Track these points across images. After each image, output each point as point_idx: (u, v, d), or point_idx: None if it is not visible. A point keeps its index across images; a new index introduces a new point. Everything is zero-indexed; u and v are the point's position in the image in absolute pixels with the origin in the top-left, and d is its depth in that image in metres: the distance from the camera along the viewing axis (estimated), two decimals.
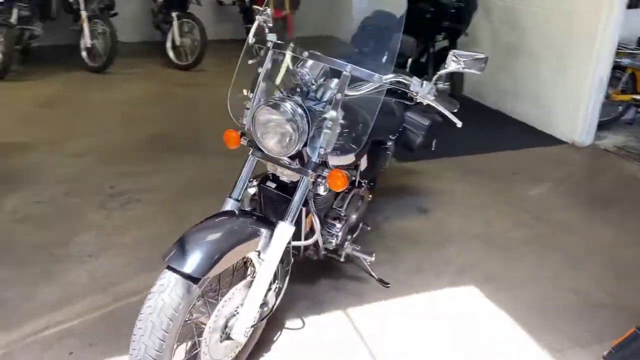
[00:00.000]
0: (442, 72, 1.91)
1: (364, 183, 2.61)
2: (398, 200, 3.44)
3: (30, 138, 4.18)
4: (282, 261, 1.97)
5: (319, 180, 1.91)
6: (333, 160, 2.00)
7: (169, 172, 3.71)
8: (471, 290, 2.61)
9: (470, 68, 1.84)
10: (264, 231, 1.80)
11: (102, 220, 3.07)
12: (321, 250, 2.33)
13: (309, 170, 1.84)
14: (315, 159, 1.82)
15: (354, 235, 2.59)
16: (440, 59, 4.75)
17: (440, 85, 2.10)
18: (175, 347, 1.70)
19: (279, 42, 1.90)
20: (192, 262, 1.56)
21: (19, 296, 2.40)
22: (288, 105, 1.74)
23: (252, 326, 1.82)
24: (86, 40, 5.94)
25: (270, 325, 2.23)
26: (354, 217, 2.53)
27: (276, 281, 1.91)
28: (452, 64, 1.85)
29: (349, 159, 2.10)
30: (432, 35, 4.83)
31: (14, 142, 4.11)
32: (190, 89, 5.69)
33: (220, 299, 1.72)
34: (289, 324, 2.30)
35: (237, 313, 1.79)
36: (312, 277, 2.59)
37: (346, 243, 2.45)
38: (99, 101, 5.20)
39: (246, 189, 1.97)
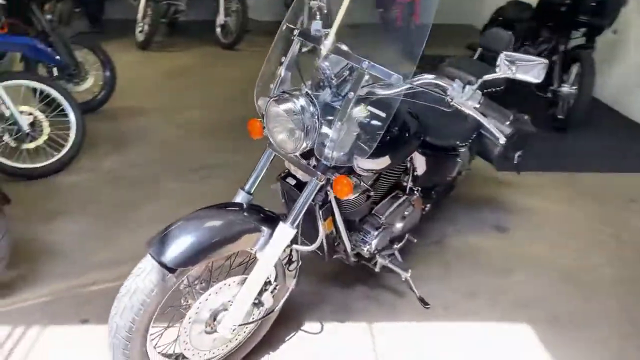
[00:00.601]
0: (488, 76, 1.64)
1: (417, 190, 2.38)
2: (476, 212, 3.11)
3: (148, 105, 4.56)
4: (287, 262, 1.89)
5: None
6: (365, 164, 1.84)
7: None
8: (525, 329, 2.27)
9: (524, 74, 1.56)
10: (265, 229, 1.72)
11: (177, 191, 3.24)
12: (350, 257, 2.20)
13: (318, 172, 1.72)
14: (324, 160, 1.68)
15: (398, 246, 2.39)
16: (571, 59, 4.16)
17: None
18: (162, 331, 1.73)
19: (309, 29, 1.77)
20: (171, 251, 1.54)
21: (83, 249, 2.63)
22: (295, 100, 1.62)
23: (242, 325, 1.77)
24: (221, 17, 6.29)
25: (286, 323, 2.17)
26: (398, 226, 2.33)
27: (274, 282, 1.83)
28: (502, 68, 1.58)
29: (382, 162, 1.91)
30: (566, 32, 4.24)
31: (133, 107, 4.52)
32: None
33: (205, 293, 1.70)
34: (307, 326, 2.22)
35: (227, 308, 1.75)
36: (347, 281, 2.46)
37: (382, 253, 2.27)
38: (219, 76, 5.48)
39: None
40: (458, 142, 2.47)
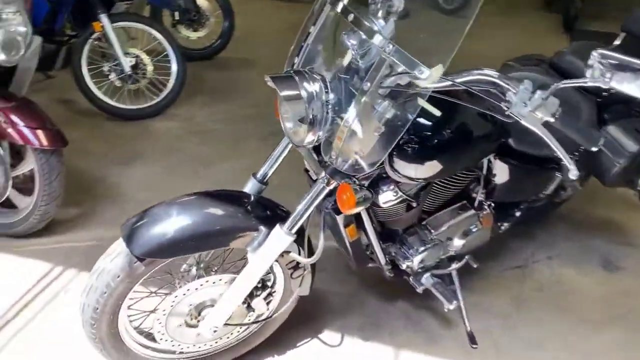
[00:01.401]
0: (569, 82, 1.18)
1: (489, 205, 1.92)
2: (582, 239, 2.50)
3: (261, 58, 4.45)
4: (293, 268, 1.63)
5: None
6: (403, 169, 1.48)
7: None
8: None
9: (623, 84, 1.10)
10: (263, 229, 1.48)
11: (257, 153, 3.10)
12: (385, 271, 1.86)
13: (324, 174, 1.40)
14: (330, 161, 1.36)
15: (455, 267, 1.98)
16: None
17: None
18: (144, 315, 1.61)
19: None
20: (144, 239, 1.38)
21: (140, 198, 2.63)
22: (306, 84, 1.31)
23: (229, 326, 1.58)
24: None
25: (305, 324, 1.94)
26: (456, 243, 1.92)
27: (271, 288, 1.59)
28: (594, 72, 1.13)
29: (427, 170, 1.52)
30: None
31: (246, 59, 4.46)
32: None
33: (185, 285, 1.52)
34: (325, 335, 1.96)
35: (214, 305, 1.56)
36: (389, 292, 2.11)
37: (430, 271, 1.89)
38: None
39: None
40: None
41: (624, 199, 2.69)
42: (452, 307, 1.84)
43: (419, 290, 1.91)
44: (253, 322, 1.65)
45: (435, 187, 1.76)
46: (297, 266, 1.62)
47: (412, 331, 1.99)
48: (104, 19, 3.17)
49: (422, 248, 1.83)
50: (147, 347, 1.64)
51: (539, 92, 1.19)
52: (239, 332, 1.71)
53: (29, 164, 2.23)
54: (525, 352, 1.94)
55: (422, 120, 1.45)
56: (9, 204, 2.33)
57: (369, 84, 1.23)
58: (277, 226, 1.45)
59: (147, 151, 3.08)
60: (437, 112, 1.31)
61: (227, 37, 4.42)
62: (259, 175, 1.61)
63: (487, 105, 1.27)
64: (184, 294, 1.52)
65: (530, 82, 1.21)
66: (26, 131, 2.15)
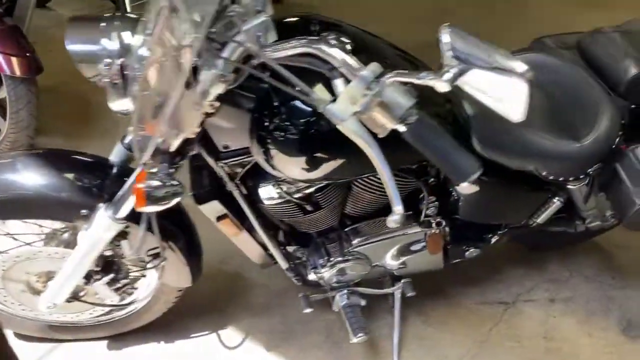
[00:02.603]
0: (390, 76, 0.76)
1: (438, 223, 1.47)
2: (603, 284, 1.90)
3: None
4: (151, 256, 1.38)
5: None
6: (283, 164, 1.15)
7: None
8: None
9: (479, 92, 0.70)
10: (102, 208, 1.23)
11: None
12: (289, 275, 1.54)
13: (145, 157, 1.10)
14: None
15: (384, 291, 1.58)
16: None
17: None
18: None
19: None
20: None
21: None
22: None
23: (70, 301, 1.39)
24: None
25: (208, 319, 1.73)
26: (391, 262, 1.53)
27: (113, 275, 1.35)
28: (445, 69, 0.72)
29: (313, 167, 1.15)
30: None
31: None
32: None
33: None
34: (227, 332, 1.70)
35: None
36: (326, 301, 1.76)
37: (345, 290, 1.52)
38: None
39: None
40: (552, 171, 1.40)
41: None
42: (354, 340, 1.46)
43: (334, 308, 1.56)
44: (99, 305, 1.44)
45: (357, 188, 1.37)
46: (157, 255, 1.36)
47: (325, 351, 1.66)
48: None
49: (338, 259, 1.46)
50: None
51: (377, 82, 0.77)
52: (97, 311, 1.51)
53: (2, 91, 2.21)
54: None
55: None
56: None
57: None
58: (102, 208, 1.20)
59: None
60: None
61: None
62: (126, 141, 1.34)
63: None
64: (15, 260, 1.34)
65: (377, 66, 0.79)
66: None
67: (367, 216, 1.48)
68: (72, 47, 1.03)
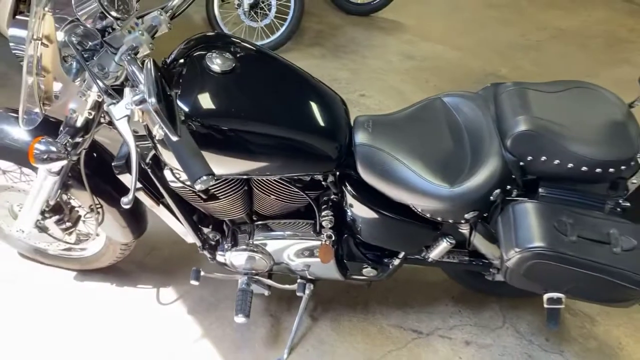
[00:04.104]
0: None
1: (328, 236, 1.60)
2: (517, 333, 1.84)
3: (418, 27, 4.17)
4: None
5: None
6: (168, 159, 1.40)
7: None
8: None
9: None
10: None
11: None
12: (202, 252, 1.77)
13: None
14: None
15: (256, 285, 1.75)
16: None
17: None
18: None
19: None
20: None
21: None
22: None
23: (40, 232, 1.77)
24: None
25: (160, 275, 2.03)
26: (291, 263, 1.70)
27: (58, 216, 1.70)
28: None
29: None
30: None
31: (400, 24, 4.23)
32: None
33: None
34: (165, 292, 2.00)
35: None
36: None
37: (244, 276, 1.73)
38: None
39: None
40: (427, 210, 1.46)
41: None
42: (237, 320, 1.66)
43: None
44: (59, 240, 1.81)
45: (255, 189, 1.57)
46: (93, 210, 1.68)
47: (234, 328, 1.87)
48: None
49: (241, 248, 1.67)
50: None
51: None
52: (61, 245, 1.90)
53: None
54: None
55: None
56: None
57: None
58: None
59: None
60: None
61: None
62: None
63: None
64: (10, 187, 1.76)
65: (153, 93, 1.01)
66: None
67: (275, 216, 1.67)
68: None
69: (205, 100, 1.31)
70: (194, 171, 0.99)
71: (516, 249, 1.31)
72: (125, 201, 1.13)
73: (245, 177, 1.51)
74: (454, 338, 1.87)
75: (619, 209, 1.41)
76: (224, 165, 1.38)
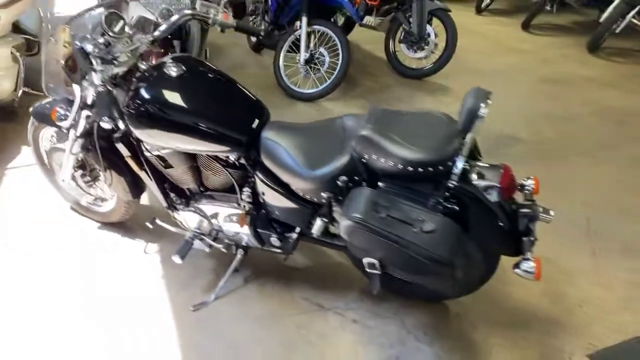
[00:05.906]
0: None
1: (243, 206, 2.16)
2: (403, 325, 2.14)
3: (462, 91, 4.59)
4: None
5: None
6: (131, 122, 2.12)
7: None
8: None
9: None
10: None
11: None
12: (167, 211, 2.39)
13: None
14: None
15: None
16: None
17: None
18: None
19: None
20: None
21: None
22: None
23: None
24: None
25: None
26: (221, 227, 2.27)
27: (82, 172, 2.46)
28: None
29: (141, 132, 2.07)
30: None
31: (448, 88, 4.67)
32: None
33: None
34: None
35: None
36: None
37: (191, 233, 2.32)
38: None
39: None
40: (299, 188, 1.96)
41: None
42: (173, 258, 2.20)
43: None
44: (86, 192, 2.58)
45: (200, 165, 2.19)
46: (106, 169, 2.43)
47: (191, 266, 2.45)
48: (304, 20, 4.25)
49: (188, 209, 2.28)
50: None
51: None
52: (88, 198, 2.68)
53: None
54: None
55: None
56: None
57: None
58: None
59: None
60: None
61: (440, 65, 4.71)
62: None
63: None
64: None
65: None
66: None
67: (216, 189, 2.26)
68: None
69: (159, 93, 1.96)
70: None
71: (344, 217, 1.75)
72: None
73: (188, 152, 2.13)
74: (347, 317, 2.24)
75: (441, 207, 1.77)
76: (169, 140, 2.02)
